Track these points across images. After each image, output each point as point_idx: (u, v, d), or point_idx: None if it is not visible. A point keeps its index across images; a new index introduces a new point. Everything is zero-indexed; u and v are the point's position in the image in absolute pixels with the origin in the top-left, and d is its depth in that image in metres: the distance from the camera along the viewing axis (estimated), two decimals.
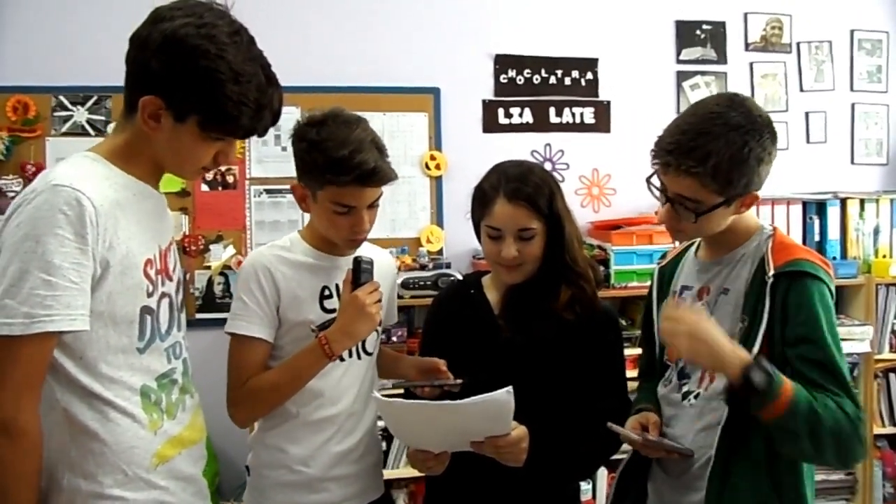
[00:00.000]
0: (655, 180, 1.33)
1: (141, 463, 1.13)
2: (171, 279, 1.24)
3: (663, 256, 1.59)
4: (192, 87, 1.10)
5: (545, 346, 1.43)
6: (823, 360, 1.22)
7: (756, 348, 1.24)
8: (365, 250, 1.56)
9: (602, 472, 2.68)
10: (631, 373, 2.60)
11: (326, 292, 1.50)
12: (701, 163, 1.21)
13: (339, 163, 1.36)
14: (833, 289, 1.28)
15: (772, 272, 1.26)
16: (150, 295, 1.16)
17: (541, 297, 1.45)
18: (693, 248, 1.47)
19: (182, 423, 1.23)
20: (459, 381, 1.42)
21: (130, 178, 1.17)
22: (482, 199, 1.45)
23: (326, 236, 1.48)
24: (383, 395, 1.35)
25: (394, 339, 2.62)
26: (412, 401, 1.33)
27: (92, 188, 1.07)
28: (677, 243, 1.57)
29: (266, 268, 1.45)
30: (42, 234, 1.02)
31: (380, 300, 1.43)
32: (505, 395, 1.23)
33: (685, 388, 1.37)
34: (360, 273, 1.41)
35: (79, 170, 1.11)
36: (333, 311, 1.47)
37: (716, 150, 1.21)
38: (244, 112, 1.13)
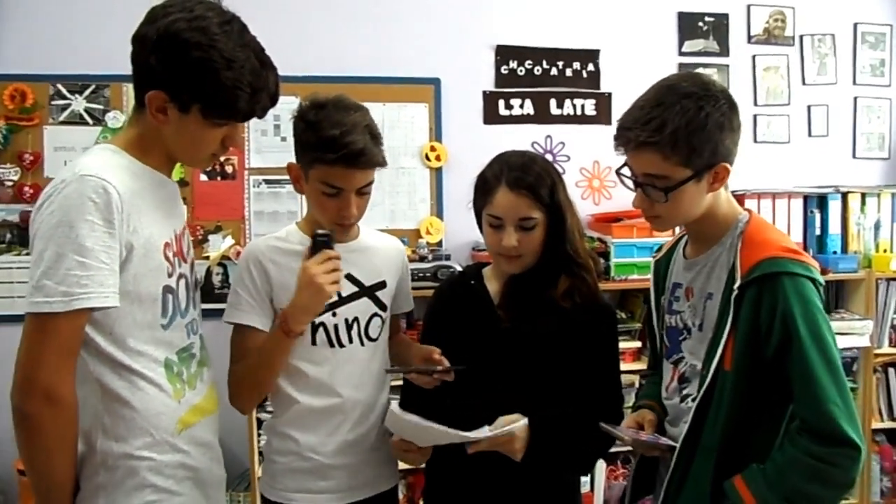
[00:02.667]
0: (626, 171, 1.30)
1: (167, 428, 1.23)
2: (185, 261, 1.34)
3: (659, 249, 1.56)
4: (190, 78, 1.17)
5: (544, 335, 1.43)
6: (802, 371, 1.16)
7: (714, 364, 1.23)
8: (371, 236, 1.59)
9: (600, 466, 2.68)
10: (629, 366, 2.67)
11: None
12: (658, 132, 1.20)
13: (329, 141, 1.38)
14: (818, 279, 1.21)
15: (737, 282, 1.21)
16: (170, 275, 1.26)
17: (540, 287, 1.45)
18: (683, 242, 1.44)
19: (201, 394, 1.33)
20: (451, 368, 1.41)
21: (147, 168, 1.26)
22: (484, 188, 1.45)
23: (318, 220, 1.49)
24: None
25: None
26: (427, 422, 1.32)
27: (115, 177, 1.16)
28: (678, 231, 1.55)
29: (257, 259, 1.48)
30: (74, 220, 1.11)
31: (335, 270, 1.38)
32: (522, 427, 1.28)
33: (685, 391, 1.35)
34: (315, 246, 1.38)
35: (103, 160, 1.20)
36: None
37: (671, 117, 1.20)
38: (240, 96, 1.19)
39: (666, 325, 1.43)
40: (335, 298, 1.46)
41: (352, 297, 1.51)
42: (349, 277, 1.51)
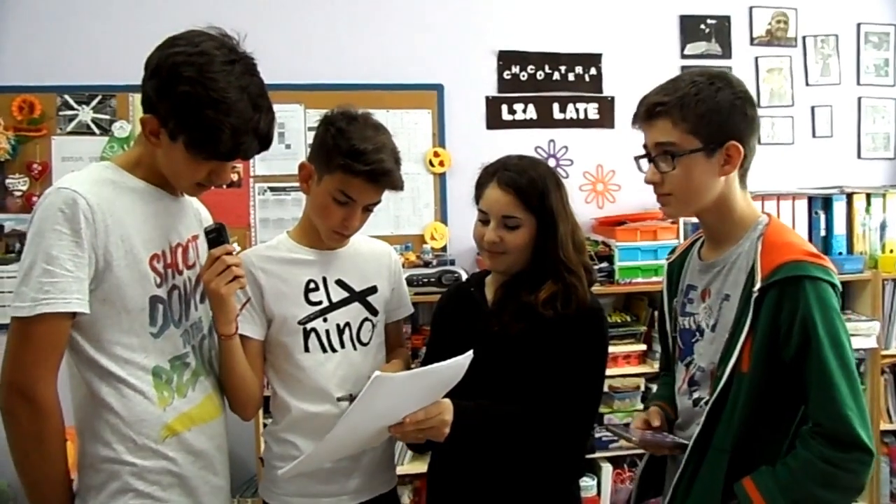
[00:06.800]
0: (642, 153, 1.35)
1: (150, 434, 1.26)
2: (180, 273, 1.35)
3: (672, 251, 1.58)
4: (176, 111, 1.20)
5: (528, 340, 1.43)
6: (820, 375, 1.17)
7: (730, 366, 1.24)
8: (361, 242, 1.60)
9: (607, 469, 2.68)
10: (634, 369, 2.68)
11: (312, 285, 1.52)
12: (670, 95, 1.27)
13: (360, 154, 1.40)
14: (836, 283, 1.23)
15: (758, 284, 1.22)
16: (159, 286, 1.29)
17: (529, 292, 1.45)
18: (697, 245, 1.46)
19: (193, 402, 1.34)
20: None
21: (142, 184, 1.30)
22: (479, 182, 1.51)
23: (315, 223, 1.51)
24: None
25: None
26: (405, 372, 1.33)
27: (92, 190, 1.21)
28: (680, 239, 1.56)
29: (247, 269, 1.47)
30: (45, 229, 1.17)
31: (228, 267, 1.33)
32: (464, 358, 1.28)
33: (696, 395, 1.36)
34: (209, 244, 1.36)
35: (85, 175, 1.26)
36: (319, 303, 1.51)
37: (683, 87, 1.28)
38: (222, 136, 1.21)
39: (679, 327, 1.44)
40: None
41: (342, 303, 1.53)
42: (339, 283, 1.54)
